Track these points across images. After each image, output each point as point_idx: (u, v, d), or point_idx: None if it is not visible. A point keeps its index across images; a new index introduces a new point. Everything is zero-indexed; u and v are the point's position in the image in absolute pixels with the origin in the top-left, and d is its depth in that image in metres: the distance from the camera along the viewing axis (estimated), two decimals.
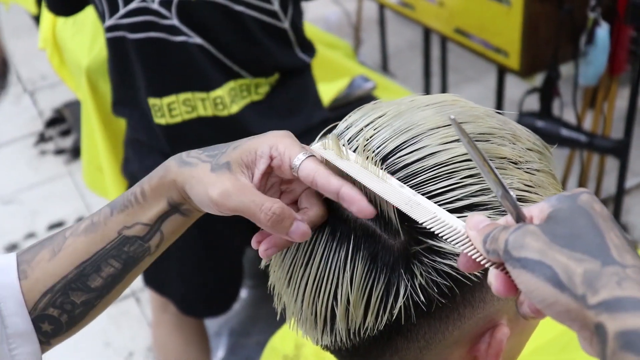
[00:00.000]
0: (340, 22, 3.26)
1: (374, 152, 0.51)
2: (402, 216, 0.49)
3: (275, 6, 1.31)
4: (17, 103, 3.42)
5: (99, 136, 1.76)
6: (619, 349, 0.36)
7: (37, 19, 2.40)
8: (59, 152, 3.02)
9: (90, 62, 1.71)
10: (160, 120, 1.34)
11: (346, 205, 0.49)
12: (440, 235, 0.47)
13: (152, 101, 1.33)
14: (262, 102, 1.38)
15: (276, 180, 0.55)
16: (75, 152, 2.95)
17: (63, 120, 3.19)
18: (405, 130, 0.51)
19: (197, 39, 1.28)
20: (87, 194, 2.65)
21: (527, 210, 0.44)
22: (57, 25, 1.89)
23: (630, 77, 1.99)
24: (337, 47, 2.22)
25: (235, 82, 1.34)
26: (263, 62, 1.36)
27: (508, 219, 0.45)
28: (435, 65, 2.72)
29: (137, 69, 1.33)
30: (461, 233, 0.46)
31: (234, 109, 1.33)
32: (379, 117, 0.53)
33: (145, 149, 1.44)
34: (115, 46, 1.33)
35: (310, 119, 1.46)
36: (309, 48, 1.44)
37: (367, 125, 0.52)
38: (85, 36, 1.76)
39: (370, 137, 0.51)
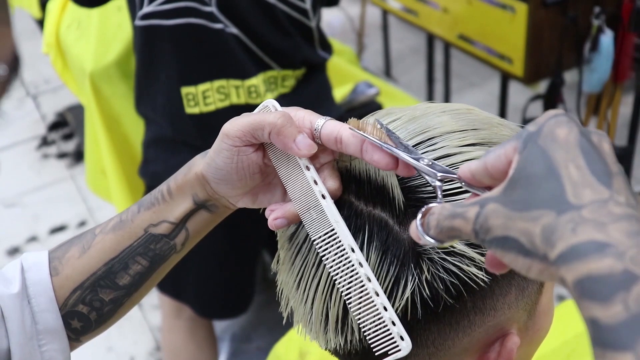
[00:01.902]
0: (343, 27, 3.27)
1: None
2: (415, 207, 0.50)
3: (307, 5, 1.37)
4: (20, 106, 3.42)
5: (102, 140, 1.76)
6: (579, 299, 0.34)
7: (40, 23, 2.40)
8: (62, 155, 3.02)
9: (95, 66, 1.71)
10: (193, 109, 1.36)
11: (368, 156, 0.49)
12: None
13: (186, 90, 1.35)
14: (289, 95, 1.42)
15: None
16: (77, 156, 2.95)
17: (66, 124, 3.19)
18: (421, 132, 0.52)
19: (233, 29, 1.32)
20: (89, 198, 2.65)
21: (497, 155, 0.42)
22: (61, 30, 1.90)
23: (634, 84, 1.99)
24: (340, 53, 2.22)
25: (264, 74, 1.38)
26: (292, 55, 1.40)
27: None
28: (438, 71, 2.72)
29: (170, 57, 1.35)
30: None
31: (269, 97, 1.37)
32: (393, 121, 0.53)
33: (170, 148, 1.44)
34: (147, 34, 1.34)
35: (331, 115, 1.48)
36: (328, 47, 1.50)
37: (381, 128, 0.52)
38: (89, 41, 1.77)
39: None
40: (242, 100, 1.36)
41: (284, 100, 1.41)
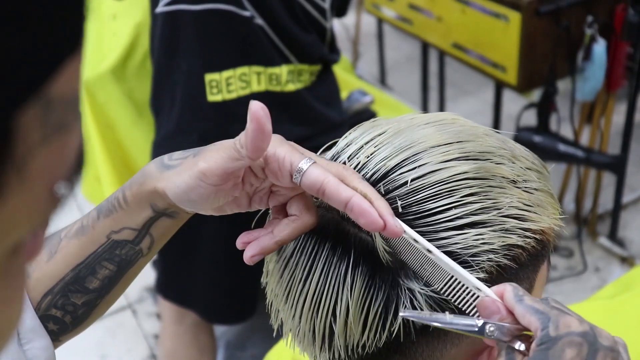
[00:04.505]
0: (338, 35, 3.26)
1: (373, 169, 0.51)
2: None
3: (327, 4, 1.41)
4: None
5: (96, 147, 1.77)
6: None
7: None
8: None
9: (89, 74, 1.71)
10: (216, 97, 1.38)
11: (354, 217, 0.47)
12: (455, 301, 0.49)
13: (210, 77, 1.37)
14: (306, 90, 1.46)
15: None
16: None
17: None
18: (406, 148, 0.51)
19: (259, 20, 1.35)
20: (84, 205, 2.64)
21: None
22: None
23: (626, 92, 2.00)
24: None
25: (284, 67, 1.41)
26: (310, 49, 1.44)
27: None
28: (433, 79, 2.73)
29: (194, 44, 1.36)
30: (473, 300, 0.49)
31: (290, 87, 1.41)
32: (379, 135, 0.53)
33: (184, 144, 1.44)
34: (172, 21, 1.36)
35: (342, 113, 1.56)
36: (336, 50, 1.56)
37: (368, 142, 0.52)
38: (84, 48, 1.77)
39: (370, 155, 0.51)
40: (263, 87, 1.39)
41: (302, 92, 1.45)
